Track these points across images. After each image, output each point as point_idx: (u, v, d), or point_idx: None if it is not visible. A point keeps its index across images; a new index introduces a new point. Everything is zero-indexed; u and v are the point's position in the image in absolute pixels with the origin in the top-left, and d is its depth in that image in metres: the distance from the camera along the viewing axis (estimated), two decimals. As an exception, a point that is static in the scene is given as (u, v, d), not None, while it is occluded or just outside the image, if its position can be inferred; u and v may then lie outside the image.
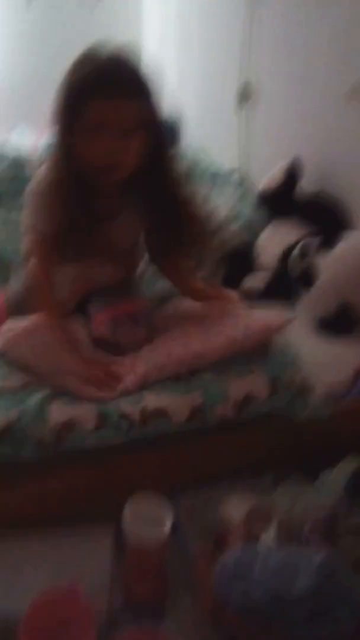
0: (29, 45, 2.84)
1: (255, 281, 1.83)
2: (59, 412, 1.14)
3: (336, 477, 1.14)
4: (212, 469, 1.24)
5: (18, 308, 1.32)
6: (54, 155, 1.22)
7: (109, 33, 2.26)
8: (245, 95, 2.28)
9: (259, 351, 1.27)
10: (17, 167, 2.28)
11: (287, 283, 1.76)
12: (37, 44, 2.84)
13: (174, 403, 1.17)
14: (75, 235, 1.22)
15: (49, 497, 1.16)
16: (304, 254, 1.71)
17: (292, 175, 1.91)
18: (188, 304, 1.41)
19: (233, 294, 1.48)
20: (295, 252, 1.73)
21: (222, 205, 2.08)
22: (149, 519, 0.98)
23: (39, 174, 1.26)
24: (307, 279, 1.69)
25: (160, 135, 1.20)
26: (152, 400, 1.17)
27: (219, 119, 2.50)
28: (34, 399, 1.16)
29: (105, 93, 1.11)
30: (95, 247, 1.28)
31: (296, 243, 1.75)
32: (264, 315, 1.36)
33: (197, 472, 1.23)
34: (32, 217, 1.27)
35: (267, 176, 1.97)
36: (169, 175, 1.26)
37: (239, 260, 1.91)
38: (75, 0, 2.82)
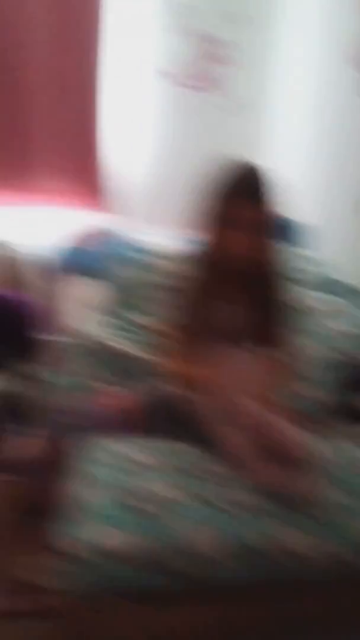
0: (169, 149, 3.05)
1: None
2: (195, 538, 1.13)
3: None
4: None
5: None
6: (197, 255, 1.50)
7: (243, 139, 2.81)
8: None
9: None
10: (150, 271, 2.29)
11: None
12: (176, 148, 3.06)
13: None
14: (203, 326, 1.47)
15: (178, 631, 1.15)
16: None
17: None
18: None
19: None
20: None
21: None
22: None
23: (180, 273, 1.53)
24: None
25: (273, 235, 1.44)
26: (293, 541, 1.14)
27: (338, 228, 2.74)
28: (171, 522, 1.15)
29: (243, 195, 1.39)
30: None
31: None
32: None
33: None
34: (173, 313, 1.53)
35: None
36: (273, 272, 1.48)
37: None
38: (216, 107, 3.02)
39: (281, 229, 1.50)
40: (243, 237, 1.40)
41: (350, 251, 2.65)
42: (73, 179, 2.97)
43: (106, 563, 1.10)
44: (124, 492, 1.24)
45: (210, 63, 2.99)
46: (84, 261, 2.72)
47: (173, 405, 1.53)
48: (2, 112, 2.78)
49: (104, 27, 2.75)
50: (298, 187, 2.85)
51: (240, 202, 1.40)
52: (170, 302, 1.58)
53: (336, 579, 1.18)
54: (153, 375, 1.56)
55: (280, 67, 3.05)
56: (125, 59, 2.87)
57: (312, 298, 2.00)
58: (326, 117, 2.92)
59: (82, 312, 2.27)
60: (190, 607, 1.14)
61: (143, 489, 1.24)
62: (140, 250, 2.44)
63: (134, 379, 1.70)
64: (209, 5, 2.88)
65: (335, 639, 1.20)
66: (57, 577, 1.14)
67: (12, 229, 2.99)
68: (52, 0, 2.68)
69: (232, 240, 1.41)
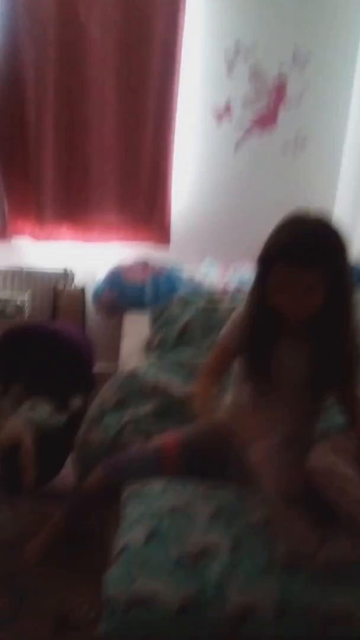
0: (232, 186, 3.10)
1: None
2: (238, 593, 1.09)
3: None
4: None
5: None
6: (250, 295, 1.47)
7: (306, 179, 2.81)
8: None
9: None
10: (208, 311, 2.30)
11: None
12: (237, 186, 3.10)
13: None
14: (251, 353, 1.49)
15: None
16: None
17: None
18: (345, 442, 1.39)
19: None
20: None
21: None
22: None
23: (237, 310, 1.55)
24: None
25: (343, 288, 1.38)
26: (339, 598, 1.09)
27: None
28: (213, 573, 1.12)
29: (289, 259, 1.32)
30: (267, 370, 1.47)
31: None
32: None
33: None
34: (222, 335, 1.58)
35: None
36: (345, 321, 1.42)
37: None
38: (279, 148, 3.07)
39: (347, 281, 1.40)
40: (290, 299, 1.36)
41: None
42: (135, 215, 3.03)
43: (145, 612, 1.09)
44: (168, 541, 1.23)
45: (274, 102, 3.01)
46: (140, 297, 2.76)
47: (210, 444, 1.52)
48: (66, 147, 2.87)
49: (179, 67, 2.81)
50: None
51: (288, 267, 1.33)
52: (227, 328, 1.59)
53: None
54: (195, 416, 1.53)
55: (344, 106, 3.04)
56: (187, 98, 2.92)
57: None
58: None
59: (137, 349, 2.29)
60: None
61: (188, 539, 1.22)
62: (196, 288, 2.45)
63: (179, 420, 1.70)
64: (272, 45, 2.90)
65: None
66: (98, 620, 1.13)
67: (74, 263, 3.08)
68: (121, 45, 2.77)
69: (280, 301, 1.38)
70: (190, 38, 2.82)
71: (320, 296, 1.35)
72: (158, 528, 1.25)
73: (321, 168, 3.13)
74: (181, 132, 2.95)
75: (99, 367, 2.51)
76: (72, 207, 2.97)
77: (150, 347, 2.24)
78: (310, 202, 3.19)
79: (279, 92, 2.99)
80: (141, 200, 3.00)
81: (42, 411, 1.99)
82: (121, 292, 2.79)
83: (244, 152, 3.07)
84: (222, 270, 2.94)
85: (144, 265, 2.94)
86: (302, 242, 1.31)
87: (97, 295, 2.92)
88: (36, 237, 3.00)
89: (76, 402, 2.00)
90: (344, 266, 1.36)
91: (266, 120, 3.04)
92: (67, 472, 2.00)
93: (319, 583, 1.12)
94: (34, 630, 1.62)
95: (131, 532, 1.25)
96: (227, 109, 2.99)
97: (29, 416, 1.96)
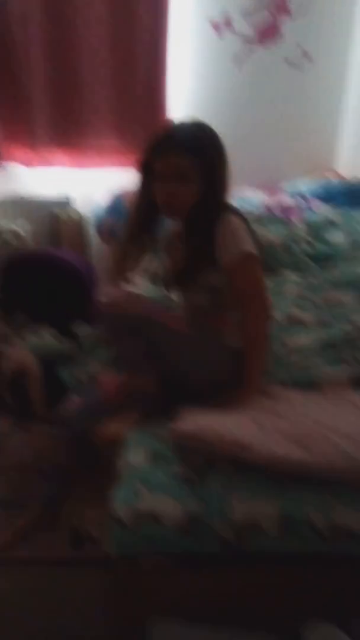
0: (237, 103, 3.00)
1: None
2: (240, 509, 1.12)
3: None
4: None
5: None
6: (136, 195, 1.58)
7: (315, 92, 2.77)
8: None
9: None
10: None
11: None
12: (245, 102, 3.01)
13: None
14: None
15: (226, 595, 1.15)
16: None
17: None
18: None
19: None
20: None
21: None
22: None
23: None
24: None
25: (215, 187, 1.48)
26: (343, 516, 1.11)
27: None
28: (214, 491, 1.15)
29: (162, 149, 1.47)
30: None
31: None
32: None
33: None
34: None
35: None
36: (213, 219, 1.49)
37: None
38: (283, 62, 2.94)
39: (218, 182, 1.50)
40: (165, 189, 1.47)
41: None
42: (132, 137, 2.93)
43: (153, 527, 1.12)
44: (171, 461, 1.25)
45: (275, 13, 2.84)
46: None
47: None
48: (57, 67, 2.75)
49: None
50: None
51: (155, 155, 1.48)
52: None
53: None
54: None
55: (349, 18, 2.87)
56: (183, 11, 2.76)
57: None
58: None
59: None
60: (228, 572, 1.15)
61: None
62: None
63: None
64: None
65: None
66: (109, 536, 1.17)
67: (71, 190, 3.00)
68: None
69: (157, 193, 1.50)
70: None
71: (192, 188, 1.46)
72: (160, 450, 1.27)
73: (327, 83, 2.99)
74: (178, 47, 2.80)
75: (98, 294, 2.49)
76: (67, 131, 2.87)
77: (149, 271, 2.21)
78: (316, 118, 3.10)
79: (280, 2, 2.81)
80: (138, 122, 2.88)
81: (45, 337, 1.99)
82: (123, 218, 2.73)
83: (246, 66, 2.92)
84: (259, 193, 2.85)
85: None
86: (172, 134, 1.48)
87: (99, 221, 2.86)
88: (30, 163, 2.91)
89: (83, 328, 2.00)
90: (215, 163, 1.47)
91: (268, 32, 2.88)
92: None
93: (320, 494, 1.14)
94: (52, 545, 1.68)
95: (135, 454, 1.29)
96: (227, 20, 2.82)
97: (33, 343, 1.96)
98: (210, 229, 1.47)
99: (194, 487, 1.16)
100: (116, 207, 2.78)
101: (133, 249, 1.61)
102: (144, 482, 1.18)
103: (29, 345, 1.93)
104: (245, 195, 2.74)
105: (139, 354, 1.56)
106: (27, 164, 2.92)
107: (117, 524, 1.12)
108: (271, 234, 2.39)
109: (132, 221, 1.60)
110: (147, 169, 1.52)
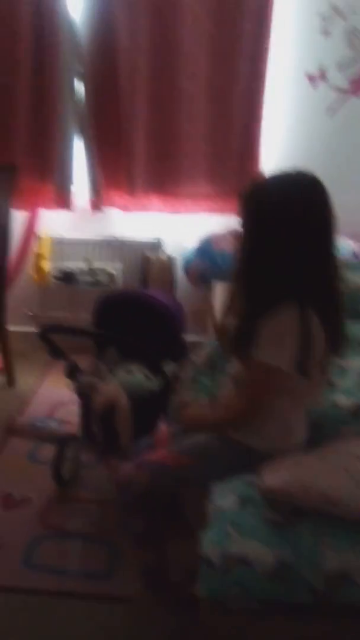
0: (329, 152, 3.02)
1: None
2: (332, 557, 1.10)
3: None
4: None
5: None
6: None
7: None
8: None
9: None
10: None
11: None
12: (336, 151, 3.03)
13: None
14: None
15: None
16: None
17: None
18: None
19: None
20: None
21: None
22: None
23: None
24: None
25: (253, 243, 1.41)
26: None
27: None
28: (306, 539, 1.13)
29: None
30: None
31: None
32: None
33: None
34: None
35: None
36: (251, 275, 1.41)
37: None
38: None
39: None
40: None
41: None
42: (225, 186, 3.01)
43: (242, 571, 1.11)
44: (261, 505, 1.24)
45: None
46: (230, 267, 2.74)
47: None
48: (158, 117, 2.88)
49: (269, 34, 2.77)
50: None
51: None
52: None
53: None
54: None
55: None
56: (279, 63, 2.86)
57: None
58: None
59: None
60: (317, 624, 1.12)
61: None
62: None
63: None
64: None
65: None
66: (195, 578, 1.17)
67: (163, 233, 3.11)
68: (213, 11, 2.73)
69: None
70: (285, 3, 2.76)
71: (239, 241, 1.42)
72: (251, 495, 1.27)
73: None
74: (273, 98, 2.89)
75: (188, 336, 2.53)
76: (163, 178, 3.00)
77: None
78: None
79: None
80: (231, 171, 2.97)
81: (137, 375, 2.04)
82: (211, 262, 2.79)
83: (339, 115, 2.96)
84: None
85: (234, 234, 2.91)
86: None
87: (187, 264, 2.94)
88: (127, 208, 3.05)
89: (171, 367, 2.04)
90: (260, 218, 1.35)
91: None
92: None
93: None
94: (128, 587, 1.69)
95: (224, 498, 1.29)
96: (322, 73, 2.89)
97: (124, 379, 2.02)
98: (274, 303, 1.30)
99: (284, 532, 1.15)
100: (205, 250, 2.85)
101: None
102: (234, 526, 1.18)
103: (120, 381, 1.99)
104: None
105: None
106: (125, 208, 3.06)
107: (206, 565, 1.12)
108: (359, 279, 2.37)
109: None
110: None
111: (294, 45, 2.86)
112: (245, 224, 1.40)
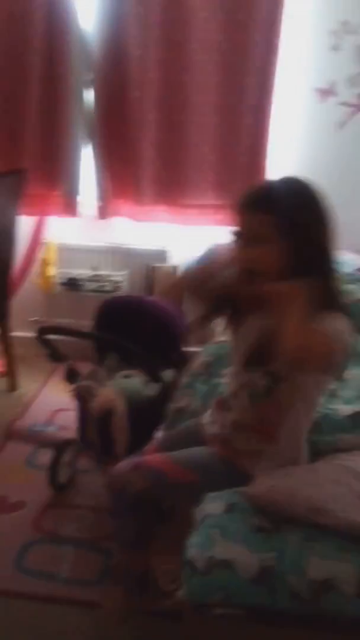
0: (336, 166, 2.99)
1: None
2: (319, 566, 1.09)
3: None
4: None
5: None
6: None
7: None
8: None
9: None
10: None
11: None
12: (344, 165, 3.01)
13: None
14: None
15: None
16: None
17: None
18: None
19: None
20: None
21: None
22: None
23: None
24: None
25: (308, 252, 1.27)
26: None
27: None
28: (292, 545, 1.12)
29: (237, 206, 1.33)
30: None
31: None
32: None
33: None
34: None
35: None
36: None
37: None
38: None
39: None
40: (242, 249, 1.34)
41: None
42: (232, 198, 3.00)
43: (225, 575, 1.10)
44: (248, 512, 1.23)
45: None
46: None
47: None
48: (166, 128, 2.89)
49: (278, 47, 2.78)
50: None
51: (237, 214, 1.35)
52: None
53: None
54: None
55: None
56: (289, 77, 2.87)
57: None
58: None
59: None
60: (300, 631, 1.10)
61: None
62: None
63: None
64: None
65: None
66: (181, 584, 1.16)
67: (169, 242, 3.12)
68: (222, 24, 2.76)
69: (237, 256, 1.37)
70: (295, 19, 2.77)
71: (272, 253, 1.27)
72: (237, 502, 1.26)
73: None
74: (282, 114, 2.91)
75: (190, 346, 2.53)
76: (170, 188, 3.00)
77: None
78: None
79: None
80: (238, 183, 2.97)
81: (135, 381, 2.04)
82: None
83: (347, 130, 2.96)
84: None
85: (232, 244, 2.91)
86: (253, 190, 1.34)
87: (194, 274, 2.92)
88: (134, 217, 3.07)
89: (168, 374, 2.03)
90: (303, 220, 1.27)
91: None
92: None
93: None
94: (119, 592, 1.67)
95: (211, 504, 1.28)
96: (331, 88, 2.90)
97: (122, 385, 2.02)
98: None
99: (269, 538, 1.14)
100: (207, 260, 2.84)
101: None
102: (218, 530, 1.17)
103: (118, 387, 1.99)
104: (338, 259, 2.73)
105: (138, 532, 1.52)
106: (132, 218, 3.08)
107: (189, 569, 1.11)
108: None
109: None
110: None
111: (304, 60, 2.87)
112: (280, 224, 1.28)
